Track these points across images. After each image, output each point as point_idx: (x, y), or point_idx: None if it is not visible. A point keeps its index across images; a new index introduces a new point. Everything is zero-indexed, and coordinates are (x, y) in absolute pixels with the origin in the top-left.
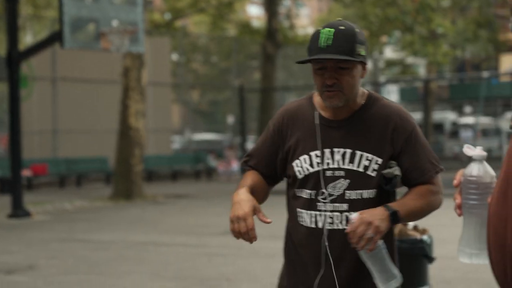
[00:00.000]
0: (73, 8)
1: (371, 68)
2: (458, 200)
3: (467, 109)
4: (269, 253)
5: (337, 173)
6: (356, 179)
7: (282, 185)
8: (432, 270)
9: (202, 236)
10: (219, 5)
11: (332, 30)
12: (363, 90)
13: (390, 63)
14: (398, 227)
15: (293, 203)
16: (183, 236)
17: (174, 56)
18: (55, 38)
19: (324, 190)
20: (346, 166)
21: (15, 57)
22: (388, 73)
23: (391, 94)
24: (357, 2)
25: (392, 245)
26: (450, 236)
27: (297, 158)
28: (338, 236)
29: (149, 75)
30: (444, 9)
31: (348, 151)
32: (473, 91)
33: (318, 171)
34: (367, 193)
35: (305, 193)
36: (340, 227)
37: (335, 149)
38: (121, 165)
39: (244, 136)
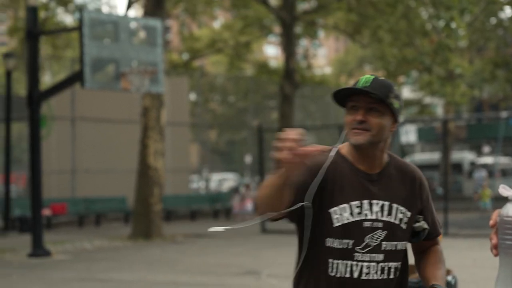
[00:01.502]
0: (94, 49)
1: None
2: (494, 241)
3: (486, 149)
4: None
5: (375, 224)
6: (393, 231)
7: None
8: None
9: (222, 276)
10: (236, 45)
11: (372, 76)
12: None
13: (407, 103)
14: None
15: (320, 252)
16: (203, 276)
17: (192, 96)
18: (76, 78)
19: (364, 241)
20: (385, 218)
21: (35, 97)
22: (406, 113)
23: (409, 134)
24: (375, 42)
25: None
26: (471, 277)
27: (336, 206)
28: (373, 286)
29: (167, 115)
30: (461, 49)
31: (386, 203)
32: (491, 131)
33: (357, 221)
34: (400, 245)
35: (339, 243)
36: (376, 277)
37: (374, 201)
38: (140, 204)
39: (262, 175)
